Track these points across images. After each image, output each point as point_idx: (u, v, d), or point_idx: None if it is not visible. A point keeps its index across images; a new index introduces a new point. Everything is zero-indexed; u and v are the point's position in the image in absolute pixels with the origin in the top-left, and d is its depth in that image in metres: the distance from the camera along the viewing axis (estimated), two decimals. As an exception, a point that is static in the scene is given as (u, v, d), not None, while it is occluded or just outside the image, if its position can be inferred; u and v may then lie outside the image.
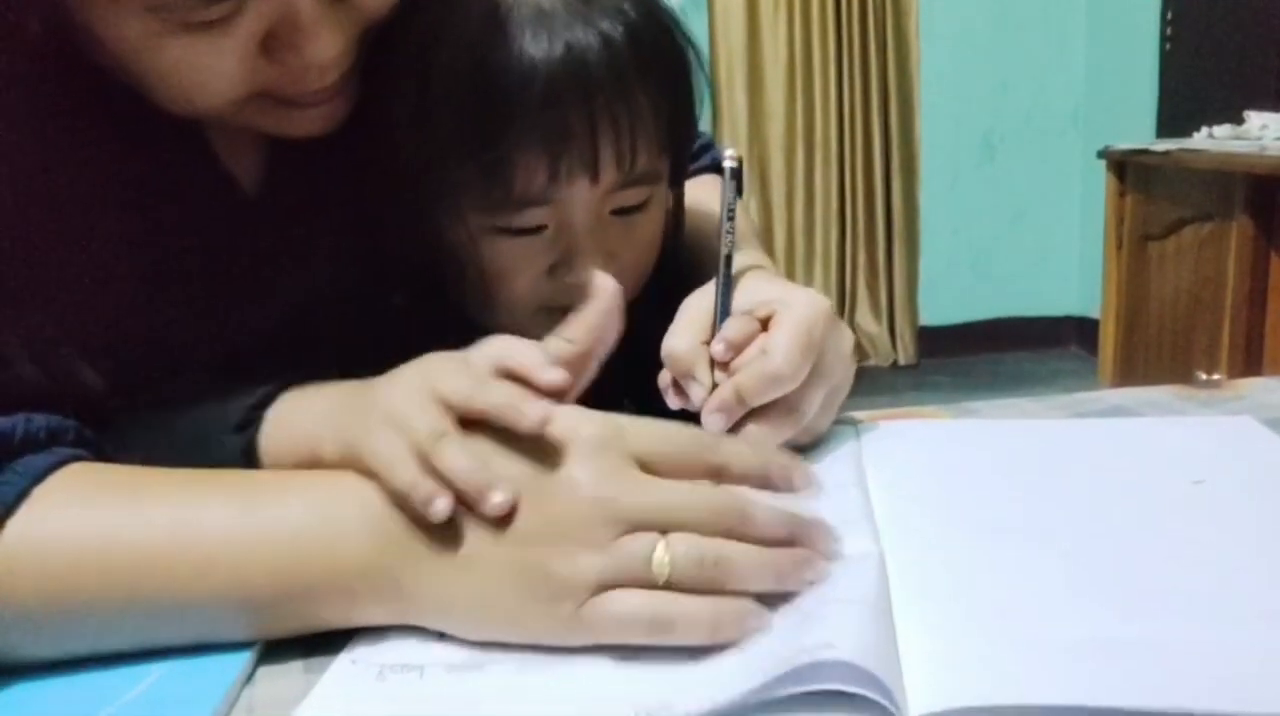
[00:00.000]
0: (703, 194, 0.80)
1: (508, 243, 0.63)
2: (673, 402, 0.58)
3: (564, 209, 0.62)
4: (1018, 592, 0.44)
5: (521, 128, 0.58)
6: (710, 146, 0.91)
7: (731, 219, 0.62)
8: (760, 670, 0.37)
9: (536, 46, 0.58)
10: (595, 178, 0.61)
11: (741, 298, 0.60)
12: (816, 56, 3.60)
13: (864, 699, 0.36)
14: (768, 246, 3.67)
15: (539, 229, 0.62)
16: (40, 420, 0.47)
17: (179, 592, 0.43)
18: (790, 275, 3.71)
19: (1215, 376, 0.74)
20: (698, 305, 0.60)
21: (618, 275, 0.63)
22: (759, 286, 0.61)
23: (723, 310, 0.59)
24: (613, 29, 0.60)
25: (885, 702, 0.36)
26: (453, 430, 0.44)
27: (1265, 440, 0.61)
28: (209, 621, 0.44)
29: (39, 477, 0.44)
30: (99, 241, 0.55)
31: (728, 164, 0.63)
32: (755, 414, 0.56)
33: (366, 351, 0.51)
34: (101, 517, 0.44)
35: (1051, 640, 0.40)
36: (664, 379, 0.59)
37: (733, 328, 0.57)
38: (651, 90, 0.62)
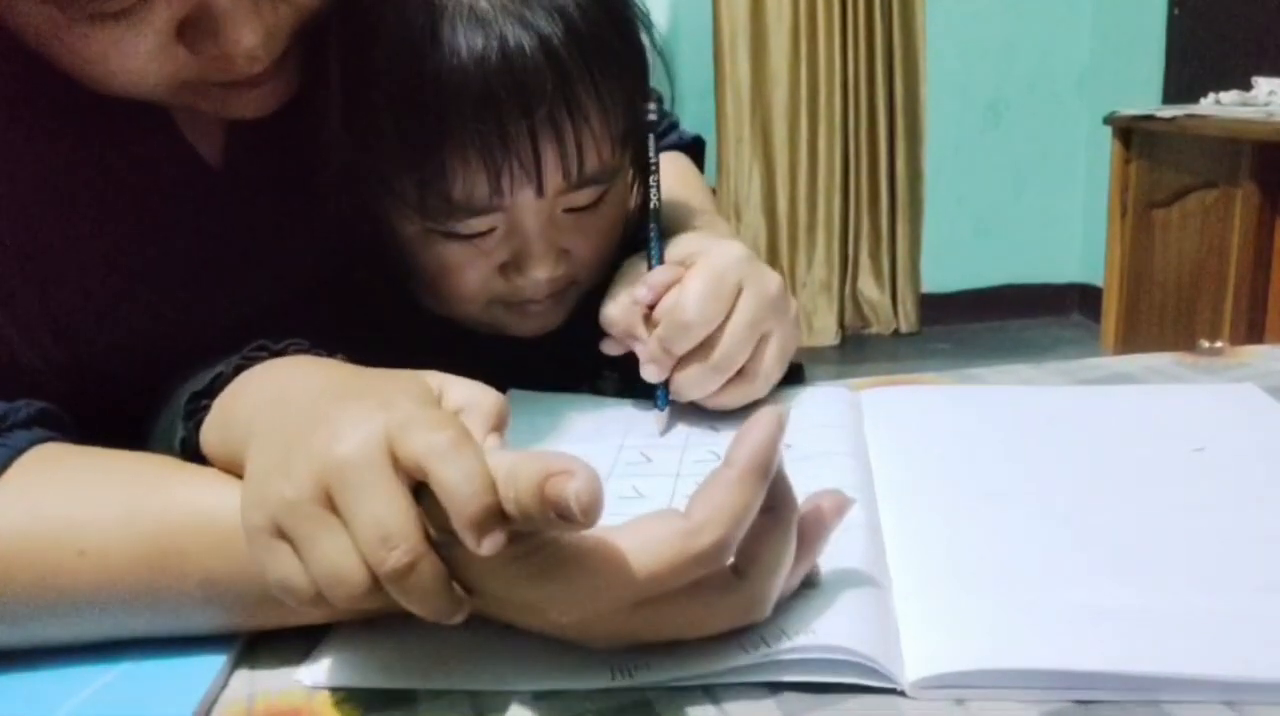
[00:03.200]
0: (670, 168, 0.80)
1: (455, 244, 0.61)
2: (611, 349, 0.62)
3: (511, 214, 0.60)
4: (1016, 558, 0.44)
5: (457, 139, 0.56)
6: (676, 126, 0.91)
7: (655, 171, 0.65)
8: (739, 647, 0.38)
9: (471, 52, 0.55)
10: (540, 189, 0.59)
11: (672, 252, 0.63)
12: (821, 21, 3.56)
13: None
14: (769, 213, 3.67)
15: (488, 232, 0.61)
16: None
17: (135, 583, 0.41)
18: (793, 242, 3.70)
19: (1218, 343, 0.74)
20: (629, 269, 0.63)
21: (572, 268, 0.64)
22: (686, 241, 0.64)
23: (656, 261, 0.62)
24: (552, 29, 0.56)
25: (877, 667, 0.36)
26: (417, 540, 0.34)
27: (1268, 407, 0.61)
28: (171, 611, 0.41)
29: None
30: (65, 219, 0.54)
31: (649, 116, 0.65)
32: (683, 362, 0.59)
33: (352, 330, 0.50)
34: (47, 503, 0.42)
35: (1050, 605, 0.40)
36: (607, 345, 0.63)
37: (656, 274, 0.60)
38: (600, 89, 0.59)
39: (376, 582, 0.34)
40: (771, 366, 0.61)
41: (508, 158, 0.57)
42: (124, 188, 0.56)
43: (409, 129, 0.57)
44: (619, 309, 0.62)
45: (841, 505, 0.40)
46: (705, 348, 0.59)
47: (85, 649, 0.42)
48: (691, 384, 0.60)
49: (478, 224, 0.60)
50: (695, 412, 0.62)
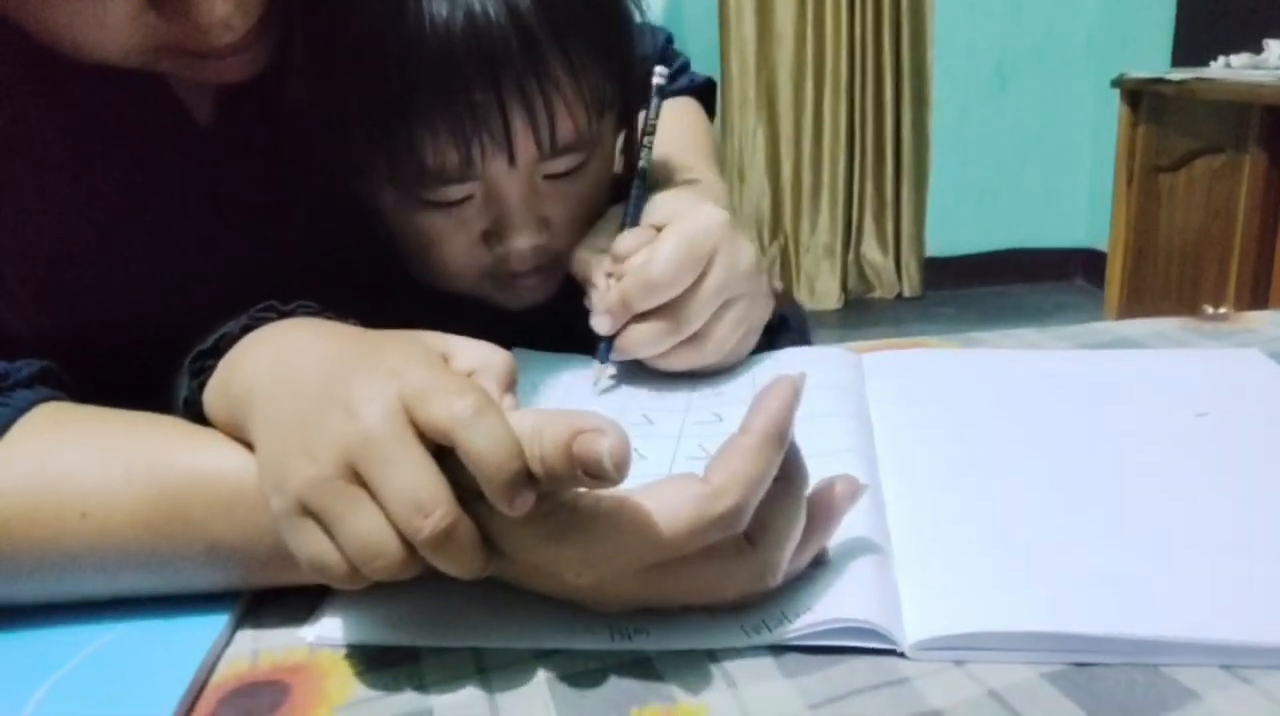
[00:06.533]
0: (673, 115, 0.78)
1: (433, 213, 0.61)
2: (588, 303, 0.62)
3: (488, 182, 0.60)
4: (1017, 521, 0.44)
5: (425, 110, 0.56)
6: (687, 68, 0.90)
7: (651, 134, 0.64)
8: (740, 630, 0.38)
9: (435, 21, 0.54)
10: (512, 158, 0.58)
11: (652, 210, 0.62)
12: (827, -19, 3.52)
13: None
14: (774, 176, 3.65)
15: (465, 199, 0.60)
16: None
17: (138, 545, 0.41)
18: (797, 205, 3.68)
19: (1223, 309, 0.74)
20: (612, 215, 0.63)
21: (553, 236, 0.63)
22: (671, 200, 0.63)
23: (632, 221, 0.62)
24: None
25: (878, 630, 0.37)
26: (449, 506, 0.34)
27: (1271, 373, 0.60)
28: (175, 572, 0.41)
29: None
30: (47, 175, 0.53)
31: (656, 80, 0.64)
32: (641, 319, 0.59)
33: (355, 294, 0.49)
34: (50, 465, 0.42)
35: (1049, 569, 0.40)
36: (587, 300, 0.62)
37: (627, 237, 0.60)
38: (571, 56, 0.57)
39: (411, 552, 0.34)
40: (727, 335, 0.61)
41: (476, 128, 0.56)
42: (110, 143, 0.56)
43: (376, 101, 0.56)
44: (586, 253, 0.62)
45: (855, 489, 0.40)
46: (666, 308, 0.58)
47: (89, 606, 0.42)
48: (643, 340, 0.59)
49: (453, 192, 0.60)
50: (696, 374, 0.62)
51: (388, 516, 0.34)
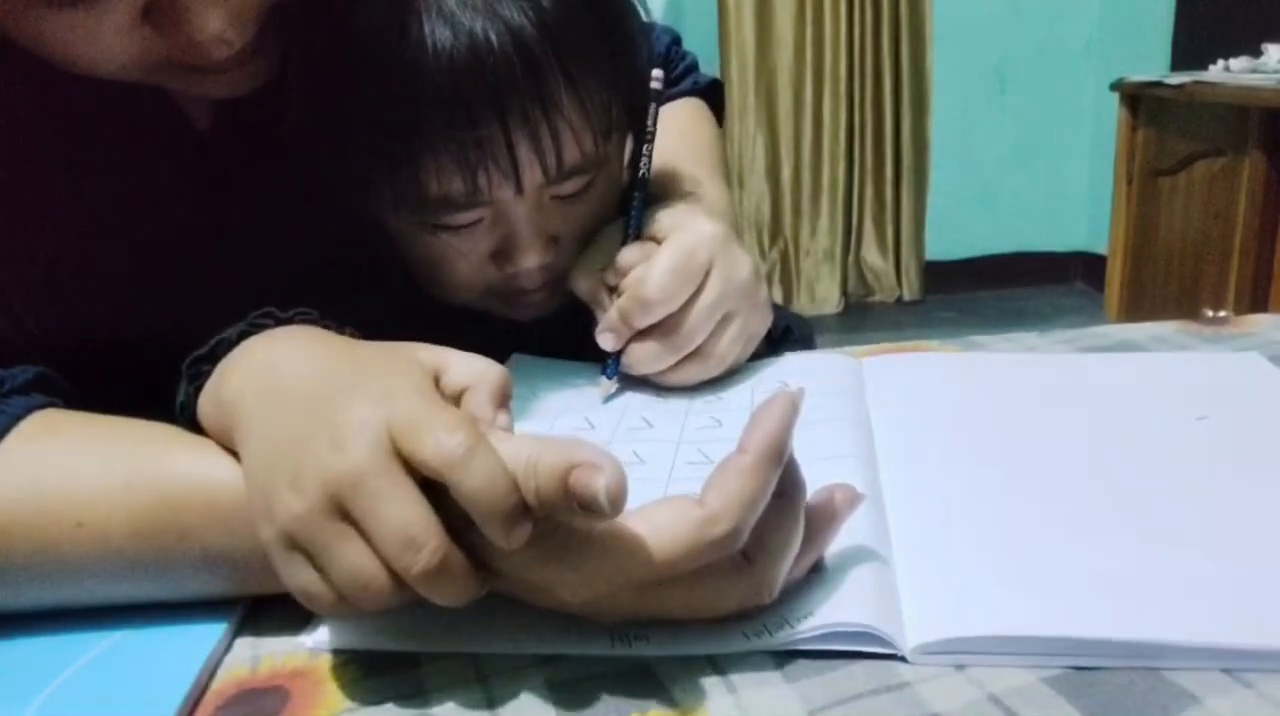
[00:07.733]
0: (677, 120, 0.78)
1: (440, 236, 0.61)
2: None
3: (495, 207, 0.59)
4: (1018, 525, 0.44)
5: (430, 141, 0.55)
6: (695, 69, 0.89)
7: (650, 141, 0.64)
8: (741, 634, 0.38)
9: (439, 51, 0.53)
10: (519, 187, 0.58)
11: (651, 224, 0.62)
12: (826, -16, 3.53)
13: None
14: (774, 180, 3.65)
15: (473, 223, 0.60)
16: None
17: (135, 555, 0.40)
18: (796, 209, 3.69)
19: (1223, 313, 0.74)
20: (604, 237, 0.63)
21: (564, 249, 0.63)
22: (669, 213, 0.63)
23: (635, 234, 0.62)
24: (522, 20, 0.54)
25: (879, 634, 0.37)
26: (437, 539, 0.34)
27: (1271, 376, 0.60)
28: (171, 580, 0.41)
29: None
30: (44, 180, 0.53)
31: (653, 85, 0.63)
32: (641, 336, 0.59)
33: (359, 301, 0.49)
34: (46, 474, 0.41)
35: (1050, 572, 0.40)
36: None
37: (626, 253, 0.60)
38: (576, 80, 0.56)
39: (400, 583, 0.34)
40: (729, 348, 0.61)
41: (482, 159, 0.56)
42: (108, 148, 0.56)
43: (379, 131, 0.55)
44: (584, 274, 0.62)
45: (853, 498, 0.40)
46: (665, 324, 0.59)
47: (88, 613, 0.42)
48: (646, 358, 0.60)
49: (462, 218, 0.59)
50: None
51: (376, 552, 0.34)
